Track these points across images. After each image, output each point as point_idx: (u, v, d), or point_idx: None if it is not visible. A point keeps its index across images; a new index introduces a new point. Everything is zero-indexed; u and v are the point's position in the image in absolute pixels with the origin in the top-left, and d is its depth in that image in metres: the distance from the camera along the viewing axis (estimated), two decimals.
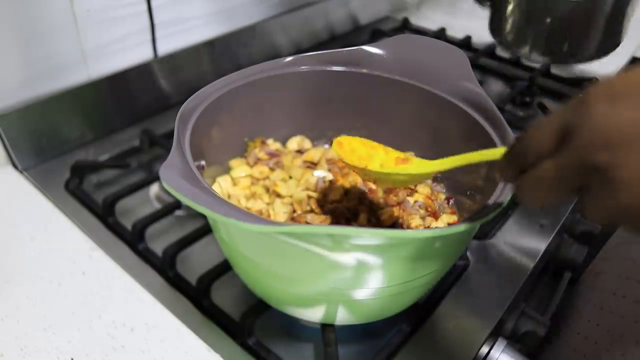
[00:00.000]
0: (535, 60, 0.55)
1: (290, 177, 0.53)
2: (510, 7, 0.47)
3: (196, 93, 0.45)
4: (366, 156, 0.43)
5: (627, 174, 0.24)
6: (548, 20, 0.46)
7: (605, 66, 0.88)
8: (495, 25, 0.48)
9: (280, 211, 0.49)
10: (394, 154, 0.43)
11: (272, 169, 0.53)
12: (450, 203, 0.51)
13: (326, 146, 0.58)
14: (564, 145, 0.26)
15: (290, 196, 0.50)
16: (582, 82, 0.83)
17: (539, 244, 0.56)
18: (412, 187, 0.52)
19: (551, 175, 0.27)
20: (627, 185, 0.24)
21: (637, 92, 0.25)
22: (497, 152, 0.33)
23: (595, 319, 0.50)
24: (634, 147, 0.24)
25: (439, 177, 0.54)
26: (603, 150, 0.25)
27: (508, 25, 0.48)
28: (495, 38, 0.53)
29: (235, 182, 0.51)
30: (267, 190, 0.51)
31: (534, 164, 0.28)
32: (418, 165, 0.41)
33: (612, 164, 0.25)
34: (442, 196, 0.52)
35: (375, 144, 0.44)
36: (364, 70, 0.53)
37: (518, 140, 0.30)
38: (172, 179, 0.33)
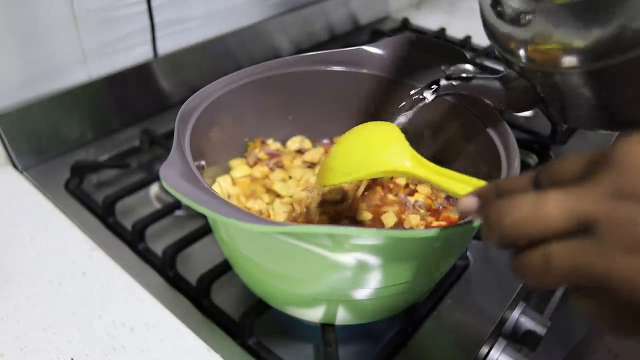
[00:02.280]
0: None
1: (290, 177, 0.53)
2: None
3: (196, 93, 0.45)
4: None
5: None
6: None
7: None
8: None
9: (280, 211, 0.49)
10: None
11: (272, 169, 0.53)
12: (451, 202, 0.51)
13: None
14: (588, 233, 0.22)
15: (290, 196, 0.50)
16: None
17: None
18: (413, 186, 0.52)
19: (565, 261, 0.22)
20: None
21: None
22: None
23: None
24: None
25: None
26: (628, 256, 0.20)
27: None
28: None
29: (235, 182, 0.51)
30: (267, 190, 0.51)
31: (537, 241, 0.23)
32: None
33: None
34: (443, 195, 0.52)
35: None
36: (364, 70, 0.53)
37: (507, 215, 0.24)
38: (172, 179, 0.33)
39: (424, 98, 0.43)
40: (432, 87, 0.43)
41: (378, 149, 0.40)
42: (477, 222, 0.34)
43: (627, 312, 0.22)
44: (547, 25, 0.34)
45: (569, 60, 0.35)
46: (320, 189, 0.48)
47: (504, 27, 0.38)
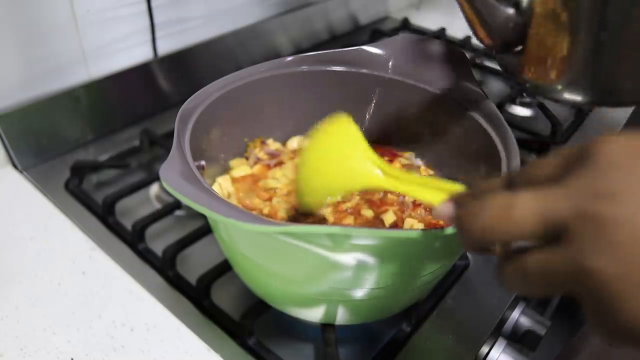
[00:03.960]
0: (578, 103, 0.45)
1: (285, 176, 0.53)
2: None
3: (196, 93, 0.45)
4: None
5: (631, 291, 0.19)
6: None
7: None
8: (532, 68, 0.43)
9: (280, 210, 0.48)
10: None
11: (271, 169, 0.53)
12: None
13: None
14: (559, 240, 0.21)
15: (286, 193, 0.50)
16: None
17: None
18: None
19: (537, 272, 0.22)
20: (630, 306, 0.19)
21: None
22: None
23: None
24: None
25: (439, 177, 0.54)
26: (605, 255, 0.20)
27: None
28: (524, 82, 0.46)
29: (235, 182, 0.51)
30: (266, 189, 0.51)
31: (516, 251, 0.23)
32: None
33: (615, 277, 0.19)
34: None
35: None
36: (364, 70, 0.53)
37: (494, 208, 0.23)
38: (172, 179, 0.33)
39: None
40: None
41: (347, 169, 0.39)
42: None
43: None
44: None
45: None
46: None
47: None
